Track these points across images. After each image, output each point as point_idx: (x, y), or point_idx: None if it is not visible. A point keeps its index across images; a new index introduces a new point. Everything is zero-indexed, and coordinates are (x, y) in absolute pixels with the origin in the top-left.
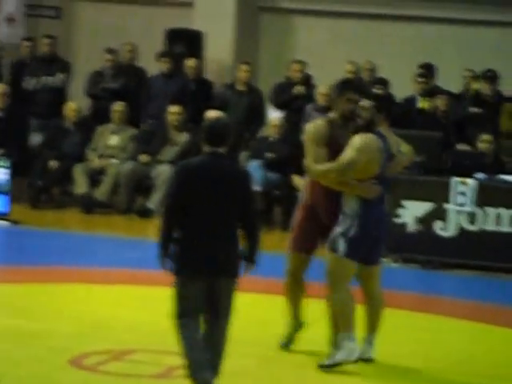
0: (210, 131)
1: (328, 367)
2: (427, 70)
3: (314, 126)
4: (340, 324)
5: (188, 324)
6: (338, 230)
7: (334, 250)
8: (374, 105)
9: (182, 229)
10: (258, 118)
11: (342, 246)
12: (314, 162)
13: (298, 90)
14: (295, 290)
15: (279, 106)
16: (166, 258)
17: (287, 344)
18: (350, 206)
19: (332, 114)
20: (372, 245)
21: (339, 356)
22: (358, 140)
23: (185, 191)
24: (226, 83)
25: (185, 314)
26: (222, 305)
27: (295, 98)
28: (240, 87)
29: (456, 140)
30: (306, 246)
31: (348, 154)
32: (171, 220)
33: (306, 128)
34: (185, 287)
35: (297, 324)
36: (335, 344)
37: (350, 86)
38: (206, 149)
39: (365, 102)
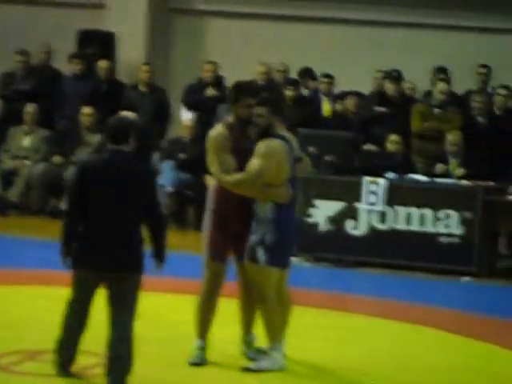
0: (112, 129)
1: (252, 371)
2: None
3: (214, 134)
4: (269, 334)
5: (75, 310)
6: (253, 238)
7: (254, 260)
8: (269, 110)
9: (84, 225)
10: (164, 117)
11: (261, 254)
12: (223, 170)
13: (210, 92)
14: (209, 304)
15: (190, 106)
16: (67, 257)
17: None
18: (263, 212)
19: (229, 118)
20: (288, 248)
21: (265, 364)
22: (263, 147)
23: (85, 189)
24: (131, 85)
25: (76, 301)
26: (122, 301)
27: (207, 100)
28: (142, 88)
29: (364, 140)
30: (219, 254)
31: (255, 162)
32: (72, 217)
33: (207, 136)
34: (79, 281)
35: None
36: (247, 343)
37: (246, 92)
38: (109, 147)
39: (259, 110)
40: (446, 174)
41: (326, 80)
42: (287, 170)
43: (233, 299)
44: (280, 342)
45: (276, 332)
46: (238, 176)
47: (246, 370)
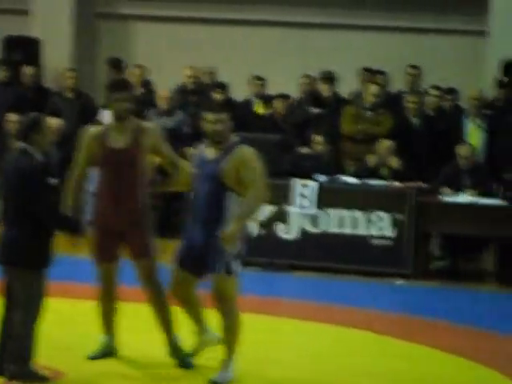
0: (17, 127)
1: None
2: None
3: (85, 132)
4: (231, 346)
5: None
6: (231, 251)
7: (230, 273)
8: (227, 115)
9: None
10: (90, 123)
11: (237, 267)
12: (74, 167)
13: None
14: (106, 302)
15: None
16: None
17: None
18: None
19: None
20: None
21: (229, 376)
22: (249, 154)
23: None
24: (57, 91)
25: None
26: (12, 295)
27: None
28: (68, 94)
29: (298, 142)
30: (104, 255)
31: (258, 167)
32: None
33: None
34: None
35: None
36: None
37: (115, 87)
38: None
39: (218, 116)
40: (377, 171)
41: (257, 82)
42: None
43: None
44: (233, 356)
45: (236, 345)
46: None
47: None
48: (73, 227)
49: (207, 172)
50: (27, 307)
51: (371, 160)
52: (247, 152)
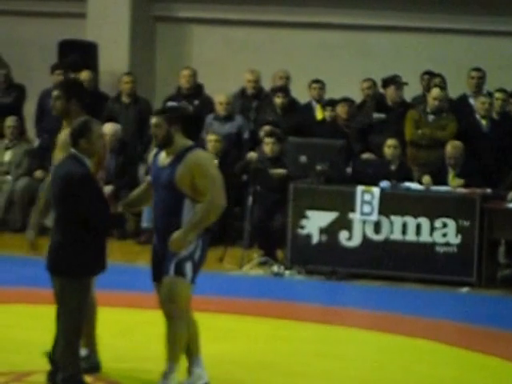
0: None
1: None
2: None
3: (61, 134)
4: (174, 356)
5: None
6: (183, 252)
7: (182, 274)
8: (165, 119)
9: None
10: (148, 129)
11: (189, 270)
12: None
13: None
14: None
15: None
16: None
17: None
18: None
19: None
20: (201, 265)
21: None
22: (206, 157)
23: None
24: (114, 96)
25: None
26: (59, 302)
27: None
28: (125, 99)
29: (361, 148)
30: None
31: (212, 173)
32: None
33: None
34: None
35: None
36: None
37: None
38: None
39: (153, 119)
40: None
41: (316, 86)
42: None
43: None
44: (178, 363)
45: (181, 350)
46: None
47: None
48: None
49: (161, 179)
50: (72, 315)
51: (425, 180)
52: (201, 157)
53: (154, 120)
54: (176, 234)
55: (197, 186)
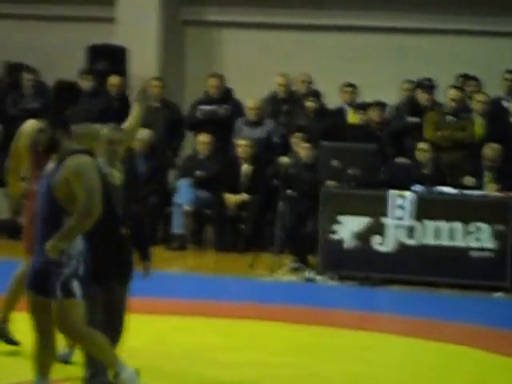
0: None
1: None
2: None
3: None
4: (106, 362)
5: None
6: (65, 271)
7: (70, 294)
8: (49, 123)
9: None
10: (178, 134)
11: (77, 288)
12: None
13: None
14: None
15: (192, 127)
16: None
17: None
18: (73, 246)
19: None
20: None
21: None
22: (85, 163)
23: None
24: None
25: None
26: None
27: (207, 121)
28: (155, 104)
29: (395, 152)
30: None
31: (89, 180)
32: None
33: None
34: None
35: None
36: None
37: None
38: None
39: (38, 124)
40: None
41: (348, 89)
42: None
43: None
44: (118, 363)
45: (111, 358)
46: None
47: None
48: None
49: (43, 186)
50: (104, 323)
51: (467, 181)
52: (79, 162)
53: (38, 125)
54: (49, 242)
55: (74, 195)
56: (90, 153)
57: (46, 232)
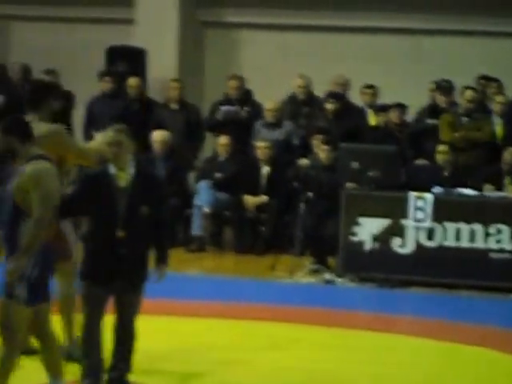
0: None
1: None
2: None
3: None
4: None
5: None
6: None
7: (13, 296)
8: (2, 130)
9: None
10: (197, 136)
11: (22, 292)
12: None
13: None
14: None
15: (211, 129)
16: None
17: None
18: None
19: None
20: (48, 281)
21: None
22: (41, 170)
23: None
24: (163, 102)
25: None
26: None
27: (227, 122)
28: (173, 105)
29: (414, 154)
30: None
31: (43, 188)
32: None
33: None
34: None
35: None
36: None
37: None
38: None
39: None
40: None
41: (368, 91)
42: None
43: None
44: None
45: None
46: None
47: None
48: None
49: (6, 192)
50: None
51: (487, 189)
52: (36, 168)
53: None
54: (11, 267)
55: (30, 201)
56: (47, 158)
57: (10, 236)
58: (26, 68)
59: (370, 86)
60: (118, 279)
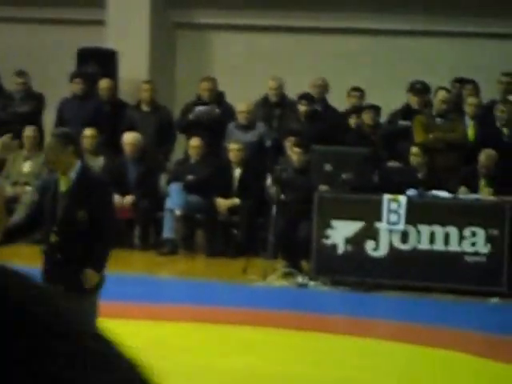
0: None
1: None
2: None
3: None
4: None
5: None
6: None
7: None
8: None
9: None
10: (168, 138)
11: None
12: None
13: (195, 113)
14: None
15: (183, 129)
16: None
17: None
18: None
19: None
20: None
21: None
22: None
23: None
24: (134, 104)
25: None
26: None
27: (200, 122)
28: (145, 107)
29: (387, 156)
30: None
31: None
32: None
33: None
34: None
35: None
36: None
37: None
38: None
39: None
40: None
41: (355, 94)
42: None
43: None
44: None
45: None
46: None
47: None
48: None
49: None
50: None
51: (462, 192)
52: None
53: None
54: None
55: None
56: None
57: None
58: None
59: (357, 89)
60: (57, 283)
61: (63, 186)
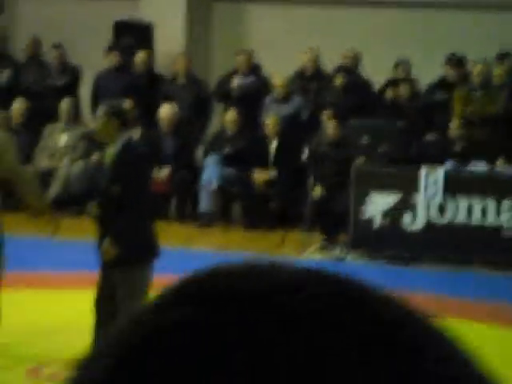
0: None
1: None
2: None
3: None
4: None
5: None
6: None
7: None
8: None
9: None
10: (204, 110)
11: None
12: None
13: (236, 81)
14: None
15: (220, 99)
16: None
17: None
18: None
19: None
20: None
21: None
22: None
23: None
24: (170, 77)
25: None
26: None
27: (236, 93)
28: (181, 80)
29: (424, 128)
30: None
31: None
32: None
33: None
34: None
35: None
36: None
37: None
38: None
39: None
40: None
41: (391, 66)
42: None
43: None
44: None
45: None
46: None
47: None
48: None
49: None
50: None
51: (500, 164)
52: None
53: None
54: None
55: None
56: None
57: None
58: (36, 41)
59: (394, 62)
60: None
61: (108, 159)
